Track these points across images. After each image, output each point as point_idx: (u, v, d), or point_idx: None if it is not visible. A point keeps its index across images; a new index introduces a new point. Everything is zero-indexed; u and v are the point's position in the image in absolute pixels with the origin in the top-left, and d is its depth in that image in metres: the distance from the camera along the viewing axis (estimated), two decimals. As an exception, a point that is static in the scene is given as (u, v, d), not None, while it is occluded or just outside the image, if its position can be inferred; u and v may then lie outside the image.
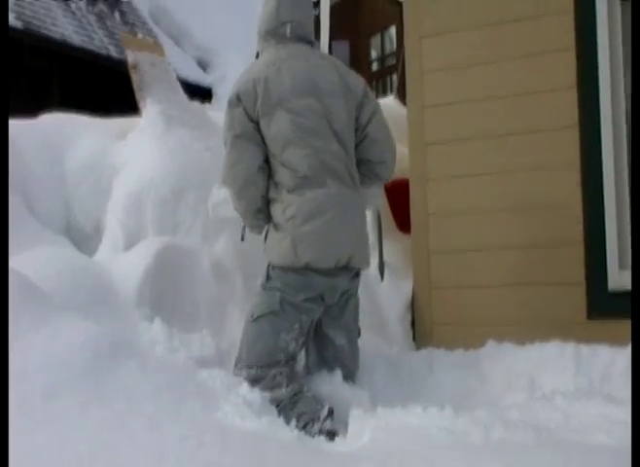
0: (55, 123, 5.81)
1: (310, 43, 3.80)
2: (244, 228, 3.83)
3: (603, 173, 4.01)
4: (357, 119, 3.71)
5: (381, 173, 3.82)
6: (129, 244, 4.55)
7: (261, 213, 3.66)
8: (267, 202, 3.64)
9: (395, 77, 18.20)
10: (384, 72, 20.41)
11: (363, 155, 3.74)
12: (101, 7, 13.58)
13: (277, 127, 3.56)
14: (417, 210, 4.48)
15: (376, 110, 3.79)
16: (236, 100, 3.61)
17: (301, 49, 3.72)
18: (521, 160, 4.19)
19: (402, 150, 4.94)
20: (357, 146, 3.72)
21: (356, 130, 3.71)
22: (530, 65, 4.17)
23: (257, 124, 3.60)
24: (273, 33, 3.73)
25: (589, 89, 4.01)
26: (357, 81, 3.77)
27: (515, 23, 4.21)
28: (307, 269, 3.50)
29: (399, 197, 4.79)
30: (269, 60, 3.67)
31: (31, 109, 8.54)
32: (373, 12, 20.67)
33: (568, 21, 4.07)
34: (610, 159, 3.99)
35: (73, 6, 12.94)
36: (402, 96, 5.66)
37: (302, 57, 3.70)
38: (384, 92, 19.75)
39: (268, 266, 3.61)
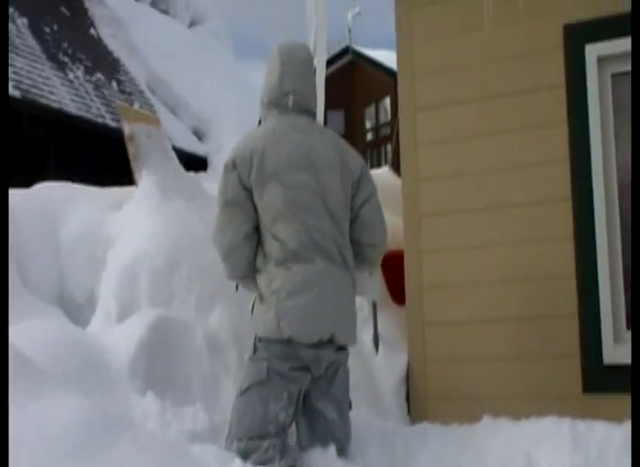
0: (51, 193, 5.83)
1: (312, 114, 3.83)
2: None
3: (597, 245, 4.02)
4: (352, 198, 3.70)
5: (370, 256, 3.76)
6: (123, 316, 4.53)
7: (247, 278, 3.65)
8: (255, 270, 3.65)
9: (389, 147, 18.39)
10: (379, 142, 20.62)
11: (353, 235, 3.71)
12: (99, 76, 13.73)
13: (270, 199, 3.55)
14: (412, 282, 4.48)
15: (372, 193, 3.76)
16: (232, 166, 3.62)
17: (302, 121, 3.72)
18: (516, 232, 4.21)
19: (396, 221, 4.97)
20: (351, 224, 3.72)
21: (350, 210, 3.70)
22: (523, 139, 4.22)
23: (250, 192, 3.59)
24: (276, 103, 3.74)
25: (582, 162, 4.06)
26: (356, 159, 3.76)
27: (509, 98, 4.27)
28: (291, 341, 3.49)
29: (393, 268, 4.80)
30: (269, 130, 3.68)
31: (27, 177, 8.60)
32: (367, 82, 20.98)
33: (560, 96, 4.13)
34: (603, 230, 4.01)
35: (71, 75, 13.08)
36: (396, 167, 5.70)
37: (301, 130, 3.70)
38: (379, 163, 19.96)
39: (255, 337, 3.59)
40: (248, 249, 3.62)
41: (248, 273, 3.64)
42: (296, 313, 3.47)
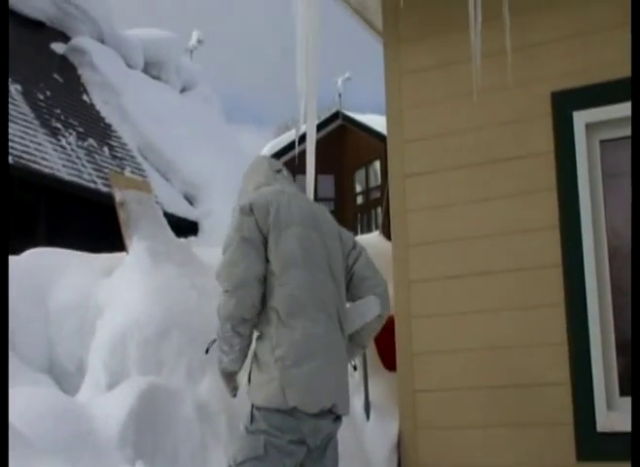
0: (40, 260, 5.81)
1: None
2: (213, 341, 3.74)
3: (588, 312, 4.01)
4: (347, 265, 3.74)
5: (365, 307, 3.73)
6: (112, 384, 4.48)
7: (244, 325, 3.53)
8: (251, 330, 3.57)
9: (380, 210, 18.51)
10: (369, 205, 20.75)
11: (354, 293, 3.73)
12: (91, 141, 13.82)
13: (285, 247, 3.56)
14: (402, 348, 4.46)
15: (362, 251, 3.83)
16: (249, 210, 3.60)
17: (293, 187, 3.85)
18: (506, 299, 4.20)
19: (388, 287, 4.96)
20: (347, 286, 3.73)
21: (346, 274, 3.74)
22: (513, 205, 4.24)
23: (264, 238, 3.59)
24: (277, 171, 3.90)
25: (572, 229, 4.07)
26: (348, 234, 3.87)
27: (498, 164, 4.30)
28: (294, 410, 3.44)
29: (384, 334, 4.76)
30: (278, 190, 3.75)
31: (17, 242, 8.59)
32: (357, 146, 21.16)
33: (549, 162, 4.17)
34: (594, 296, 4.01)
35: (63, 141, 13.16)
36: (386, 233, 5.71)
37: (305, 198, 3.85)
38: (369, 226, 20.03)
39: (252, 407, 3.54)
40: (256, 290, 3.55)
41: (249, 317, 3.59)
42: (301, 382, 3.41)
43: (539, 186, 4.17)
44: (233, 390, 3.68)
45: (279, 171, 3.93)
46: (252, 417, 3.50)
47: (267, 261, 3.57)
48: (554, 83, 4.19)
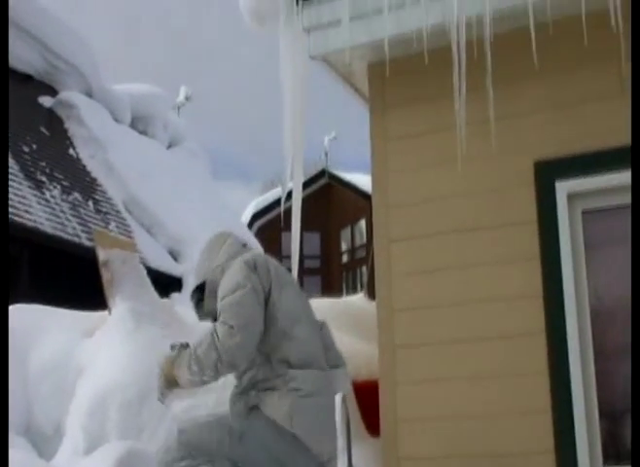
0: (21, 317, 5.78)
1: None
2: (181, 346, 3.67)
3: (571, 379, 4.02)
4: None
5: (338, 380, 3.87)
6: (91, 448, 4.45)
7: (228, 369, 3.52)
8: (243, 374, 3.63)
9: (365, 269, 18.56)
10: (354, 264, 20.85)
11: None
12: (76, 195, 13.82)
13: (290, 302, 3.70)
14: (387, 414, 4.43)
15: (325, 326, 3.98)
16: (253, 266, 3.69)
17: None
18: (491, 365, 4.20)
19: (371, 350, 4.95)
20: None
21: None
22: (496, 272, 4.26)
23: (266, 295, 3.65)
24: (243, 245, 4.04)
25: (555, 297, 4.09)
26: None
27: (481, 232, 4.33)
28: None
29: (369, 398, 4.75)
30: (257, 253, 3.96)
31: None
32: (343, 205, 21.36)
33: (532, 231, 4.20)
34: (577, 363, 4.02)
35: (48, 194, 13.16)
36: (371, 294, 5.73)
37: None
38: (354, 286, 20.09)
39: None
40: (258, 338, 3.55)
41: (239, 364, 3.54)
42: (312, 413, 3.54)
43: (522, 254, 4.20)
44: (163, 397, 3.67)
45: (245, 246, 4.05)
46: None
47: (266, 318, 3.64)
48: (537, 152, 4.25)
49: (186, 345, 3.62)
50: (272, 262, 3.85)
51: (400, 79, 4.65)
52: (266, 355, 3.62)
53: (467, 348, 4.27)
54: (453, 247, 4.38)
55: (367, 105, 5.04)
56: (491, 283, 4.26)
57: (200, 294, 3.90)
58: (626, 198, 3.80)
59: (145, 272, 6.08)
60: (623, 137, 3.81)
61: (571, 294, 4.06)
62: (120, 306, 5.45)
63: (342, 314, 5.62)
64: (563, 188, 4.15)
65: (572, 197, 4.16)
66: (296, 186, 4.85)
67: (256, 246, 18.12)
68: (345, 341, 5.20)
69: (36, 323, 5.75)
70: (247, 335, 3.49)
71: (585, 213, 4.16)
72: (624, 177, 3.80)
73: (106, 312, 5.84)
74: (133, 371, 4.80)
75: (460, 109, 4.07)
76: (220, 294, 3.65)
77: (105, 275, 5.76)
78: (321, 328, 3.89)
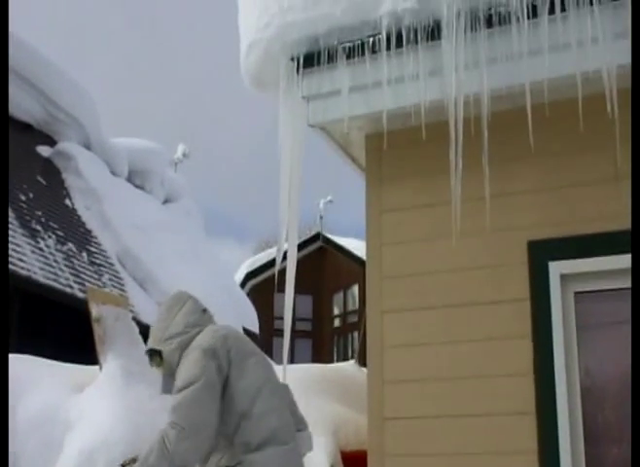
0: (10, 368, 5.75)
1: None
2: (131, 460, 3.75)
3: (560, 460, 4.01)
4: None
5: (302, 442, 4.00)
6: (76, 508, 4.41)
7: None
8: None
9: (356, 334, 18.51)
10: (346, 329, 20.80)
11: None
12: (70, 246, 13.85)
13: (250, 376, 3.71)
14: (375, 488, 4.41)
15: (288, 390, 4.14)
16: (212, 354, 3.71)
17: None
18: (481, 443, 4.19)
19: (361, 421, 4.95)
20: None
21: None
22: (487, 349, 4.27)
23: (225, 380, 3.67)
24: (203, 311, 4.10)
25: (545, 377, 4.10)
26: None
27: (473, 307, 4.35)
28: None
29: (356, 469, 4.74)
30: (216, 327, 3.98)
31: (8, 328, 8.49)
32: (336, 269, 21.39)
33: (524, 310, 4.23)
34: (567, 447, 4.01)
35: (42, 243, 13.18)
36: (362, 361, 5.73)
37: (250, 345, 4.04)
38: (345, 351, 20.03)
39: None
40: (211, 442, 3.57)
41: (193, 465, 3.60)
42: None
43: (514, 332, 4.22)
44: None
45: (204, 311, 4.08)
46: None
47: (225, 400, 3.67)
48: (531, 232, 4.29)
49: (136, 459, 3.67)
50: (233, 335, 3.90)
51: (397, 151, 4.71)
52: (228, 438, 3.62)
53: (456, 424, 4.26)
54: (444, 322, 4.40)
55: (363, 175, 5.10)
56: (482, 360, 4.27)
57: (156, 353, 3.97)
58: (619, 282, 3.86)
59: (137, 330, 6.09)
60: (617, 223, 3.88)
61: (562, 374, 4.07)
62: (111, 364, 5.45)
63: (333, 382, 5.61)
64: (556, 268, 4.19)
65: (565, 278, 4.19)
66: (290, 250, 4.88)
67: (248, 306, 18.11)
68: (335, 410, 5.21)
69: (25, 374, 5.72)
70: (199, 438, 3.52)
71: (577, 294, 4.19)
72: (617, 261, 3.86)
73: (96, 367, 5.83)
74: (120, 429, 4.79)
75: (456, 185, 4.12)
76: (177, 383, 3.69)
77: (97, 332, 5.76)
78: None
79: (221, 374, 3.67)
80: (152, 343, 4.00)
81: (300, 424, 3.97)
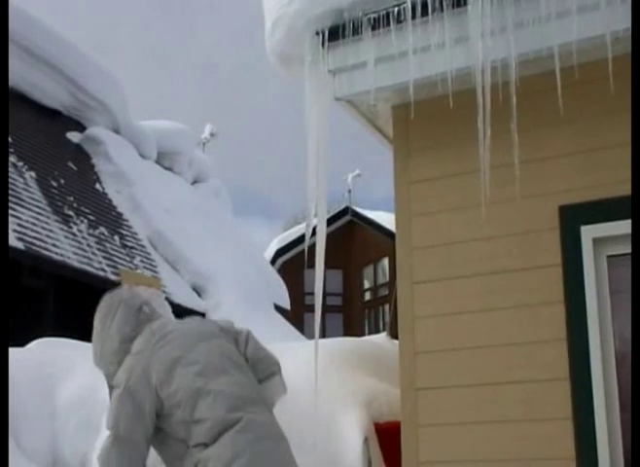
0: (48, 353, 5.84)
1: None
2: None
3: (596, 426, 3.99)
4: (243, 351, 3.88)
5: (272, 391, 3.87)
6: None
7: None
8: None
9: (387, 307, 18.53)
10: (377, 302, 20.82)
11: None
12: (102, 230, 13.95)
13: (181, 390, 3.54)
14: (408, 458, 4.41)
15: (249, 335, 3.96)
16: (125, 398, 3.55)
17: (169, 320, 3.99)
18: (513, 411, 4.18)
19: (394, 392, 4.95)
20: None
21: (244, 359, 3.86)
22: (520, 316, 4.25)
23: (157, 403, 3.58)
24: (138, 310, 3.90)
25: (579, 343, 4.07)
26: (227, 322, 4.01)
27: (505, 275, 4.33)
28: None
29: (391, 440, 4.74)
30: (146, 337, 3.75)
31: (24, 330, 8.59)
32: (366, 243, 21.39)
33: (557, 276, 4.20)
34: (602, 412, 3.98)
35: (75, 228, 13.30)
36: (394, 334, 5.73)
37: (174, 322, 3.95)
38: (376, 324, 20.05)
39: None
40: (142, 445, 3.54)
41: None
42: None
43: (546, 299, 4.19)
44: None
45: (139, 310, 3.89)
46: None
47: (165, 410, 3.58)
48: (562, 197, 4.25)
49: None
50: (166, 332, 3.73)
51: (424, 122, 4.68)
52: (185, 444, 3.53)
53: (489, 393, 4.25)
54: (476, 291, 4.38)
55: (391, 147, 5.07)
56: (514, 328, 4.25)
57: None
58: (651, 244, 3.81)
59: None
60: (649, 183, 3.83)
61: (596, 339, 4.04)
62: (144, 344, 5.48)
63: (364, 355, 5.61)
64: (588, 232, 4.15)
65: (597, 242, 4.16)
66: (320, 225, 4.87)
67: (279, 282, 18.16)
68: (368, 383, 5.21)
69: (63, 357, 5.79)
70: (124, 447, 3.49)
71: (610, 258, 4.15)
72: (649, 223, 3.81)
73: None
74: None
75: (484, 153, 4.09)
76: None
77: (130, 313, 5.79)
78: (246, 345, 3.88)
79: (149, 383, 3.58)
80: (93, 360, 3.97)
81: (269, 368, 3.87)
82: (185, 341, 3.70)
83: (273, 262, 21.94)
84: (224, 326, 3.95)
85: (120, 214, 15.13)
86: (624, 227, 4.02)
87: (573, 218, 4.20)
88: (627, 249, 4.04)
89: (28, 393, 5.24)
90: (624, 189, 4.01)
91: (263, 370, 3.86)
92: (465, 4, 4.17)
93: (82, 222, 13.68)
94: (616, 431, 4.01)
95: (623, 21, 3.79)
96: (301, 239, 20.89)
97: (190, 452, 3.51)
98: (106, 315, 3.93)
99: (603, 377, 4.02)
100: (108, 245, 13.68)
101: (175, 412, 3.56)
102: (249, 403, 3.56)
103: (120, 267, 12.61)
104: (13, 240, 10.97)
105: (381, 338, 6.65)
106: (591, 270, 4.12)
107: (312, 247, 4.72)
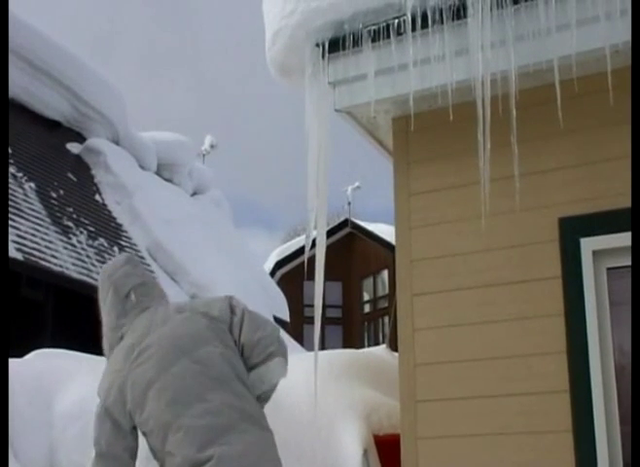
0: (46, 364, 5.83)
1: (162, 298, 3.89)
2: None
3: (596, 438, 3.98)
4: (235, 341, 3.66)
5: (269, 375, 3.67)
6: (112, 496, 4.43)
7: None
8: None
9: (387, 319, 18.57)
10: (376, 314, 20.85)
11: (251, 362, 3.65)
12: (101, 241, 13.96)
13: (153, 419, 3.44)
14: (409, 470, 4.41)
15: (244, 316, 3.71)
16: (103, 415, 3.59)
17: (151, 314, 3.73)
18: (512, 423, 4.17)
19: (393, 404, 4.95)
20: (244, 356, 3.66)
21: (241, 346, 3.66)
22: (519, 329, 4.25)
23: (131, 430, 3.56)
24: (123, 313, 3.76)
25: (579, 355, 4.07)
26: (220, 306, 3.73)
27: (504, 287, 4.33)
28: None
29: (391, 453, 4.74)
30: (127, 351, 3.63)
31: (23, 341, 8.59)
32: (365, 255, 21.43)
33: (557, 288, 4.20)
34: (602, 425, 3.98)
35: (74, 239, 13.29)
36: (394, 346, 5.72)
37: (160, 322, 3.68)
38: (376, 336, 20.07)
39: None
40: (123, 457, 3.56)
41: None
42: None
43: (546, 310, 4.19)
44: None
45: (127, 297, 3.77)
46: None
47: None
48: (562, 209, 4.26)
49: None
50: (145, 345, 3.57)
51: (424, 134, 4.70)
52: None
53: (488, 405, 4.24)
54: (475, 303, 4.38)
55: (391, 159, 5.08)
56: (514, 340, 4.24)
57: None
58: (651, 257, 3.81)
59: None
60: (648, 196, 3.84)
61: (596, 351, 4.04)
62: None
63: (364, 367, 5.60)
64: (588, 245, 4.16)
65: (597, 254, 4.16)
66: (319, 236, 4.87)
67: (278, 294, 18.14)
68: (367, 395, 5.20)
69: (61, 368, 5.78)
70: (108, 462, 3.55)
71: (609, 270, 4.16)
72: (649, 235, 3.81)
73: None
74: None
75: (484, 165, 4.10)
76: None
77: (129, 323, 5.78)
78: (240, 329, 3.67)
79: (124, 406, 3.53)
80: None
81: (268, 348, 3.65)
82: (162, 359, 3.52)
83: (273, 273, 21.94)
84: (216, 315, 3.67)
85: (119, 225, 15.13)
86: (624, 239, 4.03)
87: (573, 230, 4.20)
88: (627, 261, 4.04)
89: (26, 404, 5.23)
90: (624, 201, 4.01)
91: (259, 353, 3.64)
92: (465, 16, 4.19)
93: (81, 233, 13.68)
94: (616, 443, 4.00)
95: (623, 34, 3.80)
96: (300, 251, 20.90)
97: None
98: (102, 297, 3.89)
99: (603, 389, 4.02)
100: (107, 256, 13.67)
101: (149, 438, 3.50)
102: (225, 432, 3.34)
103: (119, 278, 12.58)
104: (12, 251, 10.97)
105: (381, 350, 6.65)
106: (591, 283, 4.12)
107: (312, 259, 4.72)
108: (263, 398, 3.69)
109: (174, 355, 3.52)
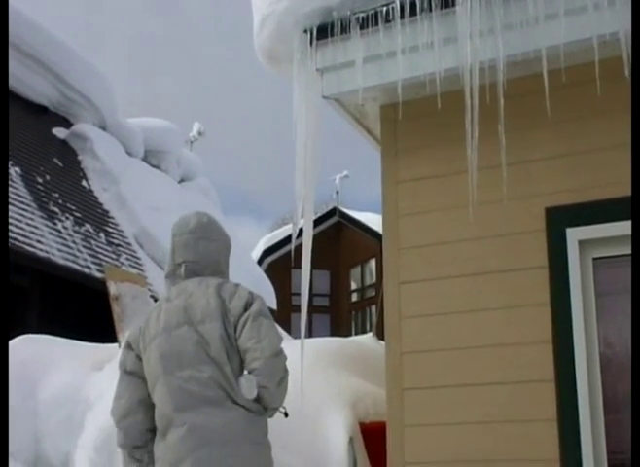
0: (33, 348, 5.80)
1: (217, 273, 3.96)
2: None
3: (580, 428, 4.00)
4: (236, 339, 3.71)
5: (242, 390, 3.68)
6: (98, 483, 4.44)
7: (139, 451, 3.72)
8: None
9: (374, 308, 18.58)
10: (364, 303, 20.88)
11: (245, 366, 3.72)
12: (87, 227, 13.89)
13: (148, 364, 3.72)
14: (394, 458, 4.41)
15: (249, 320, 3.72)
16: (129, 346, 3.86)
17: (190, 284, 3.85)
18: (498, 411, 4.19)
19: (380, 392, 4.95)
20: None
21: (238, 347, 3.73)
22: (506, 317, 4.26)
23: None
24: (171, 275, 3.98)
25: (565, 345, 4.08)
26: (237, 304, 3.76)
27: (491, 276, 4.34)
28: None
29: (376, 441, 4.74)
30: (158, 303, 3.94)
31: (9, 325, 8.55)
32: (353, 244, 21.44)
33: (543, 277, 4.20)
34: (587, 414, 4.00)
35: (60, 225, 13.22)
36: (380, 334, 5.73)
37: (186, 294, 3.80)
38: (363, 325, 20.10)
39: None
40: (142, 415, 3.72)
41: (142, 444, 3.73)
42: None
43: (532, 300, 4.20)
44: None
45: (179, 265, 3.93)
46: None
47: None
48: (549, 199, 4.26)
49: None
50: (152, 316, 3.83)
51: (412, 122, 4.68)
52: None
53: (474, 393, 4.26)
54: (462, 291, 4.39)
55: (379, 147, 5.07)
56: (500, 328, 4.26)
57: None
58: (637, 247, 3.82)
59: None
60: (635, 186, 3.84)
61: (581, 341, 4.06)
62: (129, 342, 5.46)
63: (351, 355, 5.61)
64: (574, 235, 4.16)
65: (583, 244, 4.16)
66: (307, 225, 4.86)
67: (266, 283, 18.13)
68: (353, 383, 5.21)
69: (46, 354, 5.77)
70: (128, 423, 3.74)
71: (595, 260, 4.17)
72: (635, 226, 3.82)
73: (116, 345, 5.86)
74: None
75: (472, 154, 4.09)
76: None
77: (115, 310, 5.79)
78: (241, 331, 3.68)
79: (139, 359, 3.81)
80: None
81: (247, 367, 3.66)
82: (168, 322, 3.74)
83: (260, 262, 21.91)
84: (230, 308, 3.72)
85: (106, 211, 15.05)
86: (611, 229, 4.05)
87: (559, 220, 4.21)
88: (613, 252, 4.07)
89: (11, 388, 5.21)
90: (611, 191, 4.03)
91: (246, 364, 3.68)
92: (454, 5, 4.18)
93: (67, 219, 13.60)
94: (600, 432, 4.02)
95: (611, 25, 3.80)
96: (288, 239, 20.87)
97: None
98: (170, 248, 4.09)
99: (588, 378, 4.03)
100: (93, 242, 13.62)
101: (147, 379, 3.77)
102: (203, 402, 3.56)
103: (105, 264, 12.56)
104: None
105: (368, 338, 6.66)
106: (577, 273, 4.13)
107: (299, 247, 4.72)
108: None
109: (183, 320, 3.72)
